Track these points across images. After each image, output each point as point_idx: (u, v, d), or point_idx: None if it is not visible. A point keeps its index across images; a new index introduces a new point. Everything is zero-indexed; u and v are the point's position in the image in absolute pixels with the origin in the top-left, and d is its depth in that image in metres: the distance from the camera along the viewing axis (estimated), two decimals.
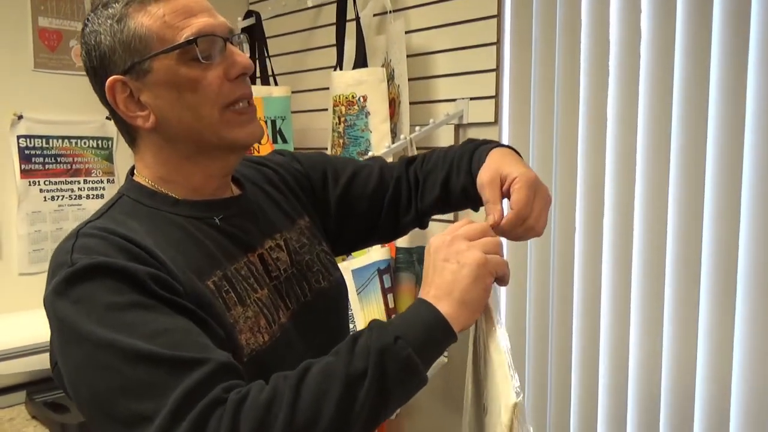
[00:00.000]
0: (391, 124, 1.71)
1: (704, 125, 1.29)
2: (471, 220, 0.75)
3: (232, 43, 0.81)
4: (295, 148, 2.01)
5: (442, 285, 0.69)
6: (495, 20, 1.60)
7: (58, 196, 2.01)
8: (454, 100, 1.70)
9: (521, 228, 0.82)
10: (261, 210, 0.92)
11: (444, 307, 0.68)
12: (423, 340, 0.66)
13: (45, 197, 1.98)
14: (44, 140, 1.98)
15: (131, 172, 0.86)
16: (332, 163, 1.05)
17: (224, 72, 0.79)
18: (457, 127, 1.71)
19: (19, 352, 1.60)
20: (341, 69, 1.84)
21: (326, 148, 1.88)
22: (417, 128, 1.66)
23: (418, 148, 1.68)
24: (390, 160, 1.64)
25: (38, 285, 2.08)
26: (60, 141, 2.01)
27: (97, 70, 0.81)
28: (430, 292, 0.70)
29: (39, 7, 1.97)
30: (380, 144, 1.68)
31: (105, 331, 0.65)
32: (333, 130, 1.82)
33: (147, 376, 0.63)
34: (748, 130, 1.24)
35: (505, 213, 0.82)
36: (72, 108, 2.03)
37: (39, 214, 1.97)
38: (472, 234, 0.72)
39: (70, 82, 2.04)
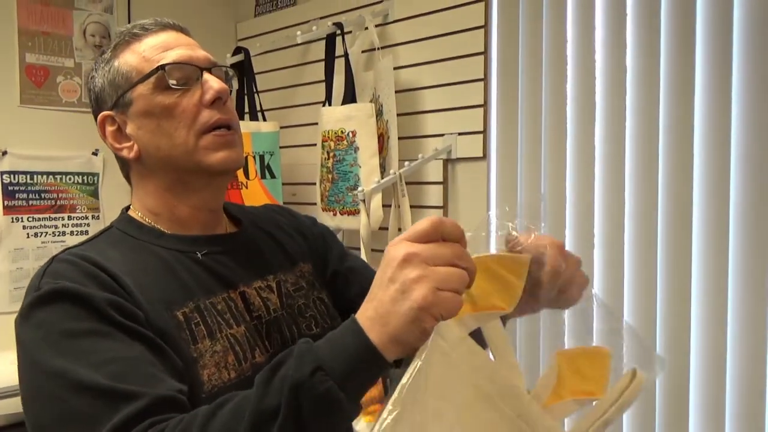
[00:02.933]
0: (380, 159, 1.71)
1: (690, 152, 1.30)
2: (447, 224, 0.59)
3: (210, 73, 0.83)
4: (283, 183, 2.00)
5: (379, 309, 0.58)
6: (482, 56, 1.63)
7: (42, 233, 1.98)
8: (442, 135, 1.70)
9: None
10: (257, 250, 0.90)
11: (374, 336, 0.57)
12: (347, 371, 0.57)
13: (28, 234, 1.95)
14: (28, 176, 1.96)
15: (126, 209, 0.90)
16: (342, 247, 1.04)
17: (199, 98, 0.82)
18: (446, 162, 1.71)
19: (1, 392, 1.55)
20: (330, 104, 1.85)
21: (315, 183, 1.88)
22: (406, 163, 1.66)
23: (407, 183, 1.68)
24: (379, 195, 1.63)
25: None
26: (44, 177, 1.98)
27: (94, 110, 0.87)
28: (367, 311, 0.59)
29: (26, 44, 1.97)
30: (369, 179, 1.68)
31: (56, 359, 0.67)
32: (322, 165, 1.82)
33: (87, 407, 0.64)
34: (734, 149, 1.26)
35: None
36: (57, 144, 2.02)
37: (22, 251, 1.94)
38: (436, 257, 0.57)
39: (57, 118, 2.03)
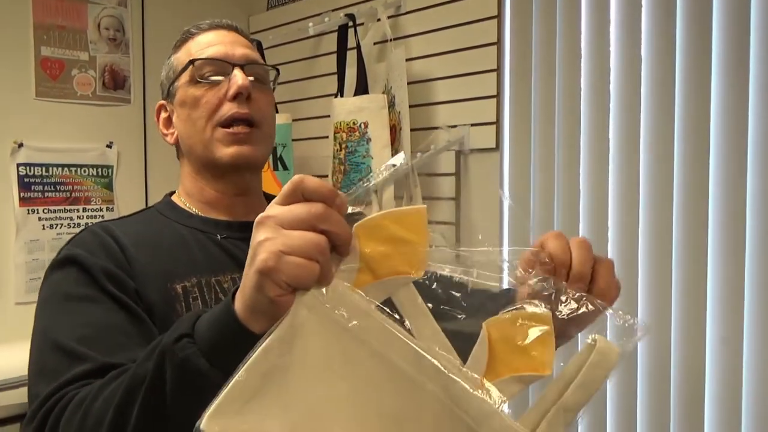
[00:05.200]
0: (392, 151, 1.71)
1: (707, 139, 1.29)
2: (309, 183, 0.53)
3: (243, 70, 0.88)
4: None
5: (242, 278, 0.55)
6: (495, 47, 1.61)
7: (57, 224, 2.00)
8: (455, 126, 1.69)
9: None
10: None
11: (237, 306, 0.55)
12: (212, 338, 0.56)
13: (44, 225, 1.97)
14: (44, 168, 1.97)
15: (170, 193, 0.97)
16: None
17: (225, 93, 0.87)
18: (458, 154, 1.70)
19: (15, 382, 1.57)
20: (342, 96, 1.85)
21: (327, 176, 1.88)
22: (418, 154, 1.66)
23: (419, 175, 1.67)
24: (391, 187, 1.63)
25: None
26: (60, 169, 2.00)
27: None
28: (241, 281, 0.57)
29: (42, 37, 1.98)
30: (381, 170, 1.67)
31: (47, 318, 0.77)
32: (334, 157, 1.82)
33: (54, 363, 0.71)
34: (750, 150, 1.24)
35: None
36: (72, 136, 2.04)
37: (37, 243, 1.96)
38: (290, 220, 0.52)
39: (72, 111, 2.04)
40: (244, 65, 0.89)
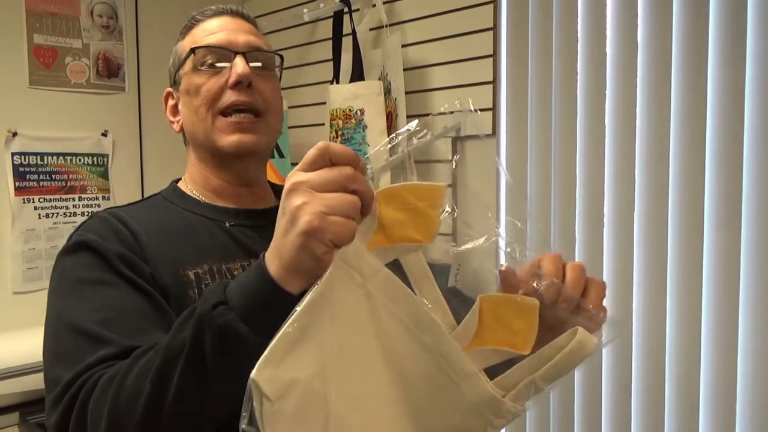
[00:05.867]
0: (388, 138, 1.70)
1: (703, 128, 1.29)
2: (334, 148, 0.57)
3: (245, 57, 0.87)
4: (291, 163, 2.00)
5: (275, 241, 0.58)
6: (491, 32, 1.60)
7: (53, 214, 1.99)
8: (451, 112, 1.69)
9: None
10: None
11: (273, 269, 0.57)
12: (249, 304, 0.58)
13: (39, 215, 1.96)
14: (39, 157, 1.97)
15: (176, 180, 0.97)
16: None
17: (226, 81, 0.87)
18: (455, 140, 1.70)
19: (13, 371, 1.57)
20: (338, 83, 1.84)
21: None
22: (414, 141, 1.65)
23: (415, 162, 1.67)
24: (388, 173, 1.63)
25: (33, 304, 2.08)
26: (55, 158, 1.99)
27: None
28: (270, 246, 0.59)
29: (34, 25, 1.96)
30: (378, 157, 1.67)
31: (62, 301, 0.76)
32: None
33: (73, 346, 0.70)
34: (747, 135, 1.24)
35: None
36: (67, 125, 2.03)
37: (33, 232, 1.95)
38: (323, 183, 0.55)
39: (66, 99, 2.03)
40: (247, 53, 0.88)
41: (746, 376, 1.25)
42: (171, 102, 0.95)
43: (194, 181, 0.93)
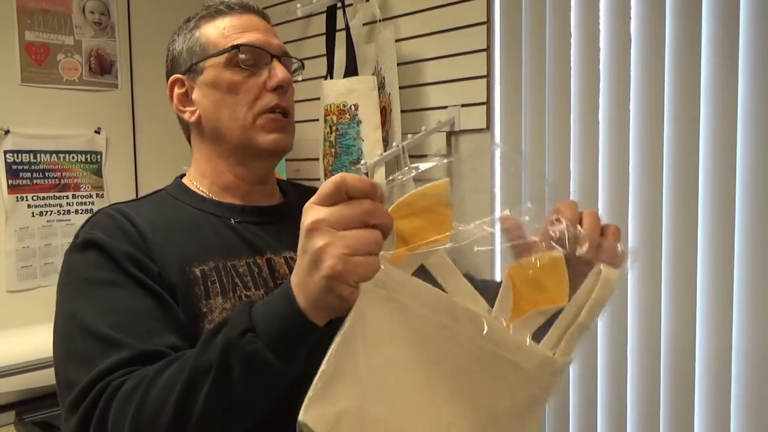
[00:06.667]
0: (382, 133, 1.70)
1: (697, 118, 1.29)
2: (350, 181, 0.55)
3: (279, 61, 0.90)
4: (286, 159, 2.00)
5: (300, 277, 0.57)
6: (485, 26, 1.60)
7: (47, 212, 1.98)
8: (445, 107, 1.69)
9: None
10: (292, 226, 0.94)
11: (302, 301, 0.57)
12: (277, 333, 0.58)
13: (33, 213, 1.96)
14: (32, 155, 1.96)
15: (180, 176, 0.96)
16: None
17: (264, 82, 0.88)
18: (449, 135, 1.70)
19: (8, 370, 1.57)
20: (332, 78, 1.84)
21: (317, 159, 1.87)
22: (409, 136, 1.65)
23: (410, 156, 1.67)
24: (382, 168, 1.63)
25: (27, 302, 2.07)
26: (48, 156, 1.99)
27: (168, 71, 0.94)
28: (294, 277, 0.59)
29: (26, 21, 1.95)
30: (372, 152, 1.67)
31: (72, 302, 0.75)
32: (324, 140, 1.81)
33: (86, 349, 0.70)
34: (740, 128, 1.24)
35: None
36: (60, 122, 2.02)
37: (27, 230, 1.95)
38: (342, 221, 0.54)
39: (58, 96, 2.02)
40: (281, 57, 0.91)
41: (740, 366, 1.26)
42: (179, 90, 0.92)
43: (203, 176, 0.93)
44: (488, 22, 1.60)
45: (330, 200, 0.55)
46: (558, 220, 0.67)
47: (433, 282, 0.61)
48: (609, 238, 0.69)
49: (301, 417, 0.54)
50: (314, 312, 0.57)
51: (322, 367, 0.55)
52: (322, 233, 0.54)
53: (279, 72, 0.88)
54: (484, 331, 0.60)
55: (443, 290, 0.61)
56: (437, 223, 0.60)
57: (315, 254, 0.54)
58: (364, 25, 1.85)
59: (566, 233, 0.66)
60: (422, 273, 0.61)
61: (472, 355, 0.61)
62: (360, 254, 0.54)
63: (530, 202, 0.68)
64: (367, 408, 0.57)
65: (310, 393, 0.55)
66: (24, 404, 1.56)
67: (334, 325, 0.58)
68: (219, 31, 0.90)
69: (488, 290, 0.64)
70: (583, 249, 0.66)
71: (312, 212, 0.55)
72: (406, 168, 0.65)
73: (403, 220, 0.59)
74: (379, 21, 1.76)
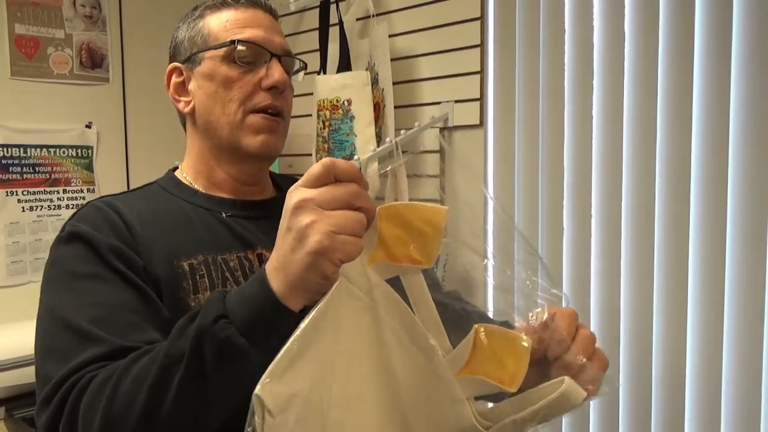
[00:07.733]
0: (376, 128, 1.70)
1: (689, 114, 1.29)
2: (339, 165, 0.56)
3: (280, 61, 0.88)
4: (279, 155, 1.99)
5: (280, 258, 0.58)
6: (479, 22, 1.60)
7: (37, 207, 1.97)
8: (438, 103, 1.69)
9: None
10: None
11: (276, 285, 0.57)
12: (250, 319, 0.58)
13: (23, 208, 1.94)
14: (22, 149, 1.94)
15: (173, 169, 0.95)
16: None
17: (260, 80, 0.87)
18: (443, 130, 1.70)
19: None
20: (325, 73, 1.83)
21: (310, 154, 1.86)
22: (402, 132, 1.65)
23: (403, 152, 1.66)
24: (375, 164, 1.62)
25: (17, 298, 2.05)
26: (38, 150, 1.97)
27: (170, 57, 0.94)
28: (272, 261, 0.59)
29: (15, 14, 1.93)
30: (365, 148, 1.66)
31: (54, 296, 0.75)
32: (318, 135, 1.80)
33: (64, 343, 0.69)
34: (732, 128, 1.24)
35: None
36: (50, 116, 2.00)
37: (17, 225, 1.93)
38: (330, 200, 0.55)
39: (49, 90, 2.00)
40: (281, 56, 0.89)
41: (731, 370, 1.27)
42: (176, 79, 0.91)
43: (194, 170, 0.92)
44: (482, 18, 1.60)
45: (318, 182, 0.56)
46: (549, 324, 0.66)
47: (404, 296, 0.61)
48: (595, 364, 0.67)
49: (257, 390, 0.53)
50: (291, 294, 0.57)
51: (289, 344, 0.54)
52: (308, 211, 0.55)
53: (275, 72, 0.87)
54: (435, 369, 0.61)
55: (412, 309, 0.61)
56: (423, 247, 0.59)
57: (301, 231, 0.55)
58: (357, 20, 1.84)
59: (558, 343, 0.65)
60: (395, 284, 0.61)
61: (422, 378, 0.61)
62: (345, 233, 0.55)
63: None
64: (316, 398, 0.56)
65: (270, 368, 0.54)
66: (14, 400, 1.55)
67: (308, 313, 0.58)
68: (222, 23, 0.89)
69: (464, 319, 0.64)
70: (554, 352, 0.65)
71: (298, 192, 0.57)
72: (397, 156, 0.68)
73: (390, 224, 0.59)
74: (373, 16, 1.75)
